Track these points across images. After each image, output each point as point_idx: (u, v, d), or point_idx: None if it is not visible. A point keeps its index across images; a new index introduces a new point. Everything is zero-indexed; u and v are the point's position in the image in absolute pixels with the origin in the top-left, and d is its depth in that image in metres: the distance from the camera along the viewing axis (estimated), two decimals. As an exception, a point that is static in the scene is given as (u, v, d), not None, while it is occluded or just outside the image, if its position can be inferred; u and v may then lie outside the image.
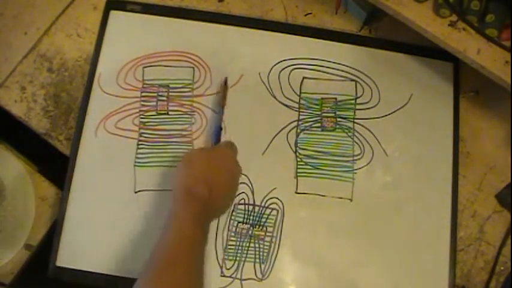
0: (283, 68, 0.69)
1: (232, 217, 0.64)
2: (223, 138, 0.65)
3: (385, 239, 0.64)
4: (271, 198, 0.65)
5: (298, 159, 0.66)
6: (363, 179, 0.66)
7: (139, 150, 0.66)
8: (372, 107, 0.69)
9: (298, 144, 0.67)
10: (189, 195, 0.54)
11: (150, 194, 0.65)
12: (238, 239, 0.64)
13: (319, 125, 0.68)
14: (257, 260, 0.63)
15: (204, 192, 0.54)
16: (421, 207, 0.65)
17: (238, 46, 0.70)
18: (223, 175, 0.57)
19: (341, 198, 0.65)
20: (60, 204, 0.64)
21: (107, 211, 0.64)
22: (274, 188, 0.65)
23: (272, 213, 0.65)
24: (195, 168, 0.56)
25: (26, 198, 0.67)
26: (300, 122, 0.68)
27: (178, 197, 0.54)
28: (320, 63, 0.70)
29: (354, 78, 0.69)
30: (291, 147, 0.67)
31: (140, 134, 0.67)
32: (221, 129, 0.65)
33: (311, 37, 0.71)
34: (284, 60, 0.70)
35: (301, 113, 0.68)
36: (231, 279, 0.62)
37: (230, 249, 0.63)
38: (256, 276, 0.62)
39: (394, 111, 0.69)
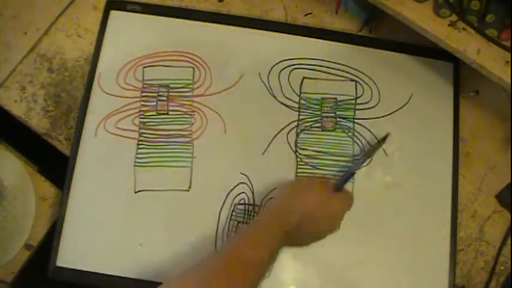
0: (283, 68, 0.70)
1: (232, 217, 0.64)
2: (226, 144, 0.66)
3: (385, 239, 0.64)
4: (271, 198, 0.65)
5: (298, 159, 0.66)
6: (363, 179, 0.66)
7: (139, 150, 0.66)
8: (372, 107, 0.69)
9: (298, 144, 0.67)
10: (279, 217, 0.53)
11: (150, 194, 0.65)
12: (238, 239, 0.63)
13: (319, 125, 0.68)
14: (257, 260, 0.63)
15: (292, 226, 0.53)
16: (421, 207, 0.65)
17: (238, 46, 0.70)
18: (323, 222, 0.56)
19: (341, 198, 0.65)
20: (60, 204, 0.64)
21: (107, 211, 0.64)
22: (274, 188, 0.65)
23: (272, 213, 0.64)
24: (304, 198, 0.55)
25: (26, 198, 0.67)
26: (300, 122, 0.68)
27: (269, 213, 0.55)
28: (320, 63, 0.70)
29: (354, 78, 0.69)
30: (291, 147, 0.67)
31: (140, 134, 0.67)
32: (354, 174, 0.63)
33: (311, 37, 0.71)
34: (284, 60, 0.70)
35: (301, 113, 0.68)
36: (231, 279, 0.62)
37: (230, 249, 0.63)
38: (256, 276, 0.62)
39: (394, 111, 0.69)
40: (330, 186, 0.59)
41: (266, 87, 0.69)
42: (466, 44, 0.59)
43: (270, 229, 0.52)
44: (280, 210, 0.54)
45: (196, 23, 0.71)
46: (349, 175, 0.60)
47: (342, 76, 0.70)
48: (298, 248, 0.63)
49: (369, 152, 0.65)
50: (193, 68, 0.69)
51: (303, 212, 0.54)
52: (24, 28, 0.72)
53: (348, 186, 0.65)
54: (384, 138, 0.65)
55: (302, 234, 0.55)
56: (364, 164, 0.65)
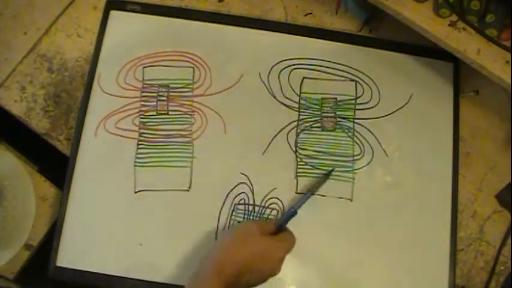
0: (283, 68, 0.70)
1: (232, 217, 0.64)
2: (226, 144, 0.66)
3: (385, 239, 0.64)
4: (271, 198, 0.65)
5: (298, 159, 0.66)
6: (363, 179, 0.66)
7: (139, 150, 0.66)
8: (372, 107, 0.69)
9: (298, 144, 0.67)
10: (218, 270, 0.53)
11: (150, 194, 0.65)
12: (238, 239, 0.63)
13: (319, 125, 0.68)
14: (257, 260, 0.63)
15: (232, 277, 0.53)
16: (421, 207, 0.65)
17: (238, 46, 0.70)
18: (262, 268, 0.55)
19: (341, 198, 0.65)
20: (60, 204, 0.64)
21: (107, 211, 0.64)
22: (274, 188, 0.65)
23: (272, 213, 0.65)
24: (242, 248, 0.55)
25: (26, 198, 0.67)
26: (300, 122, 0.68)
27: (207, 266, 0.54)
28: (320, 63, 0.70)
29: (354, 78, 0.69)
30: (291, 147, 0.67)
31: (140, 134, 0.67)
32: (295, 214, 0.60)
33: (311, 37, 0.71)
34: (284, 60, 0.70)
35: (301, 113, 0.68)
36: (231, 279, 0.62)
37: (230, 249, 0.63)
38: (256, 276, 0.62)
39: (394, 111, 0.69)
40: (269, 228, 0.58)
41: (266, 87, 0.69)
42: (466, 44, 0.59)
43: (211, 283, 0.52)
44: (220, 262, 0.53)
45: (196, 23, 0.71)
46: (290, 214, 0.60)
47: (342, 76, 0.70)
48: (298, 247, 0.63)
49: (312, 188, 0.63)
50: (193, 68, 0.69)
51: (241, 263, 0.53)
52: (24, 28, 0.72)
53: (348, 187, 0.65)
54: (328, 174, 0.64)
55: (242, 282, 0.54)
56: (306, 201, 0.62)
